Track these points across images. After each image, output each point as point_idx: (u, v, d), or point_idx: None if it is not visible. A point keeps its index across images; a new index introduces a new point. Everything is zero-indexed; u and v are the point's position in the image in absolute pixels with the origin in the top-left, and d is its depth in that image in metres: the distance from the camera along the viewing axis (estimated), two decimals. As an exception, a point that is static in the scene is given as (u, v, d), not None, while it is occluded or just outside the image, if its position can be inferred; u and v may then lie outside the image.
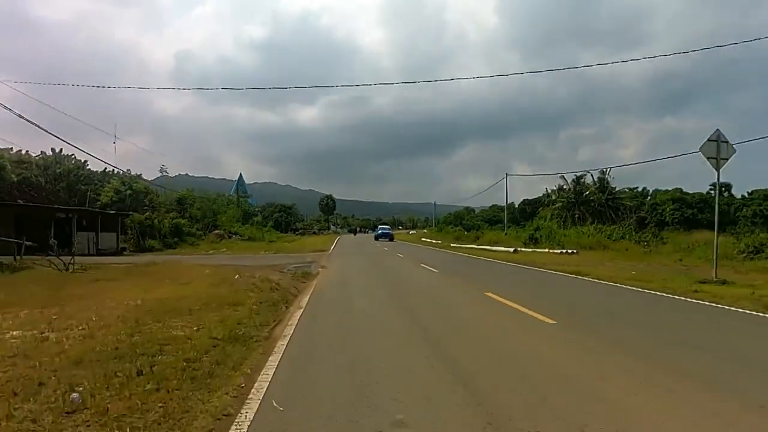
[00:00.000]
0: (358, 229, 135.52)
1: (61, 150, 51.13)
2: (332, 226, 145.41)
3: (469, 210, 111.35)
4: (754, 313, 9.03)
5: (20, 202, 32.97)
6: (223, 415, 3.98)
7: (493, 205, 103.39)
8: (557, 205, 59.51)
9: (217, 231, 48.60)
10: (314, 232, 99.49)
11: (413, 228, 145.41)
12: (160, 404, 4.08)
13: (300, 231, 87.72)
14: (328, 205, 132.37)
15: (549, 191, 65.15)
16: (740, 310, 9.38)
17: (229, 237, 48.57)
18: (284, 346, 6.46)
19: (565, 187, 60.20)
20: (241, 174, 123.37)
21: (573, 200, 57.78)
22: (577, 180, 58.80)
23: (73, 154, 52.60)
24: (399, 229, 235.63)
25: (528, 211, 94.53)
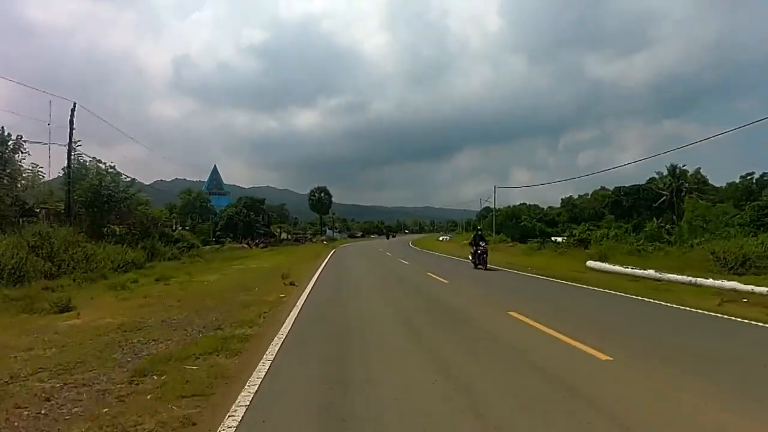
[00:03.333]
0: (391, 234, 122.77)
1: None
2: (328, 231, 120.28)
3: (531, 207, 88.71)
4: None
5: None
6: None
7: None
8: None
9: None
10: (297, 240, 74.68)
11: (446, 232, 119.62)
12: None
13: (263, 243, 55.46)
14: (320, 200, 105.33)
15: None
16: None
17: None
18: None
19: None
20: (215, 167, 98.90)
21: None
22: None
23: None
24: (405, 233, 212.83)
25: (626, 204, 71.44)
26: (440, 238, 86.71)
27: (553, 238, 47.91)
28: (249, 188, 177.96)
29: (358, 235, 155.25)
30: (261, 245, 48.86)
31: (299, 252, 39.09)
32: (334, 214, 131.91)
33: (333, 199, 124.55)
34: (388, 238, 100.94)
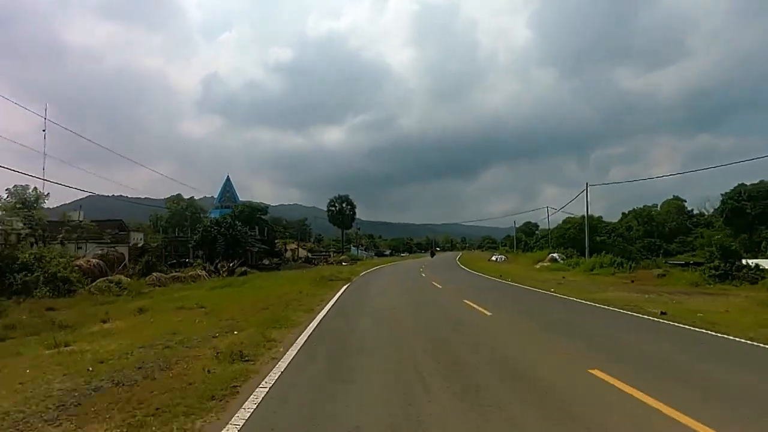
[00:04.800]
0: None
1: None
2: (353, 248, 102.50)
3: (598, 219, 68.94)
4: None
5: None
6: None
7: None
8: None
9: None
10: (307, 260, 56.89)
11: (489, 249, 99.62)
12: None
13: (226, 270, 33.13)
14: (342, 212, 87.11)
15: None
16: None
17: None
18: None
19: None
20: (228, 177, 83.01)
21: None
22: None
23: None
24: (437, 250, 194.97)
25: (751, 211, 52.20)
26: (494, 258, 67.50)
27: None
28: (276, 206, 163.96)
29: (387, 253, 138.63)
30: (224, 273, 30.16)
31: (266, 288, 20.46)
32: (359, 229, 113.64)
33: (359, 216, 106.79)
34: (432, 256, 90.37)
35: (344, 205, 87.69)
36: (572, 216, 66.07)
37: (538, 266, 43.40)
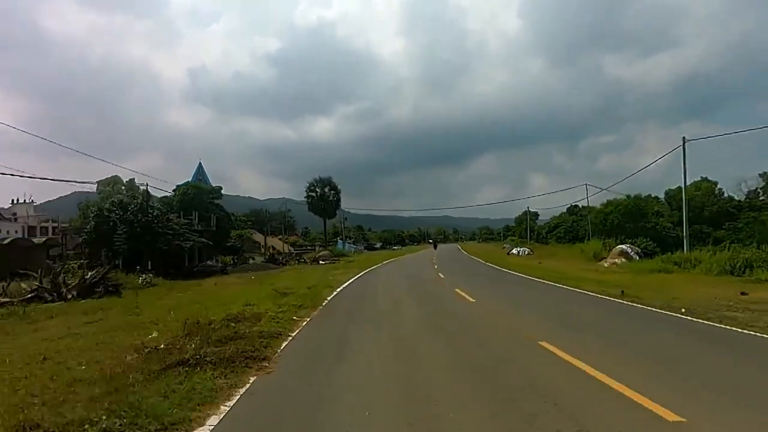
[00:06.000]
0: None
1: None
2: (339, 242, 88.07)
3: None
4: None
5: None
6: None
7: None
8: None
9: None
10: (273, 260, 42.40)
11: (510, 244, 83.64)
12: None
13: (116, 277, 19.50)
14: (324, 198, 71.44)
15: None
16: None
17: None
18: None
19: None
20: (201, 164, 69.29)
21: None
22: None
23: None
24: (429, 242, 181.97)
25: None
26: (514, 252, 53.16)
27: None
28: (264, 200, 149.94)
29: (377, 246, 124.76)
30: (73, 292, 15.48)
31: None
32: (345, 219, 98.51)
33: (347, 207, 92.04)
34: (435, 248, 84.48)
35: (326, 189, 72.38)
36: (619, 195, 51.99)
37: (606, 264, 29.14)
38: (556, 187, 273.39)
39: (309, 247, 75.00)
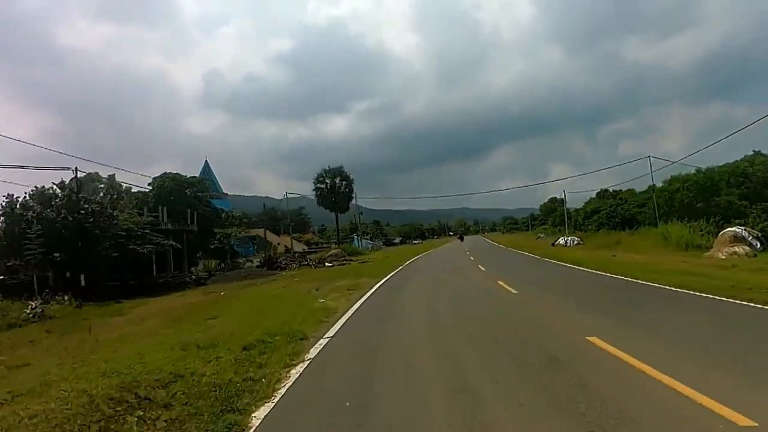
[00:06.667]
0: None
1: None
2: (356, 238, 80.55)
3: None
4: None
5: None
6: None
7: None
8: None
9: None
10: (267, 264, 34.55)
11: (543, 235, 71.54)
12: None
13: None
14: (334, 190, 62.42)
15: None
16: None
17: None
18: None
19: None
20: (207, 162, 62.57)
21: None
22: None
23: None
24: (450, 235, 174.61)
25: None
26: (561, 242, 44.32)
27: None
28: (281, 199, 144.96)
29: (396, 241, 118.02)
30: None
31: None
32: (361, 213, 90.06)
33: (366, 204, 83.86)
34: (461, 240, 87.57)
35: (337, 180, 64.06)
36: (690, 168, 42.64)
37: (722, 255, 20.32)
38: (575, 173, 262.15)
39: (324, 245, 68.22)
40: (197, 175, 51.16)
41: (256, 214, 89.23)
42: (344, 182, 64.63)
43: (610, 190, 79.83)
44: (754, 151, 51.89)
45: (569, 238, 44.94)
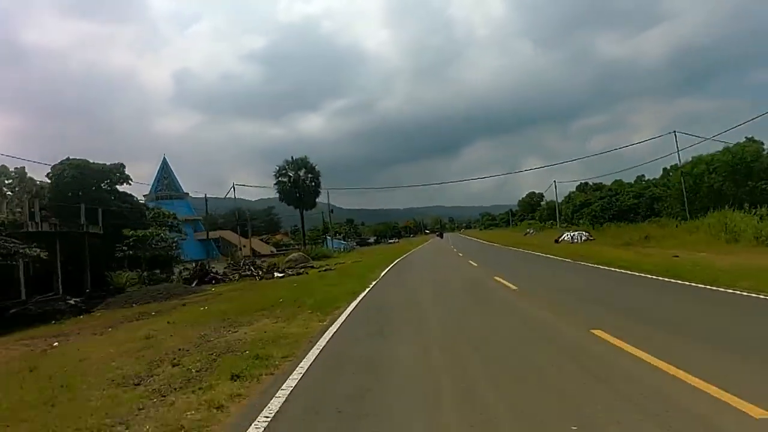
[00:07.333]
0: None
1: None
2: (328, 239, 74.07)
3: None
4: None
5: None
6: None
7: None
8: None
9: None
10: (197, 279, 26.30)
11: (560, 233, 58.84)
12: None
13: None
14: (297, 184, 54.05)
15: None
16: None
17: None
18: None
19: None
20: (165, 160, 55.55)
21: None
22: None
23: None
24: (426, 233, 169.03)
25: None
26: (567, 237, 37.20)
27: None
28: (256, 200, 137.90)
29: (370, 240, 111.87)
30: None
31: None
32: (331, 211, 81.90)
33: (339, 204, 76.89)
34: (441, 237, 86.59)
35: (302, 172, 55.83)
36: (718, 149, 36.23)
37: None
38: (549, 169, 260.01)
39: (296, 246, 61.36)
40: (155, 175, 43.14)
41: (223, 215, 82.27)
42: (310, 175, 56.41)
43: (590, 183, 74.78)
44: (746, 138, 45.77)
45: (576, 233, 37.94)
